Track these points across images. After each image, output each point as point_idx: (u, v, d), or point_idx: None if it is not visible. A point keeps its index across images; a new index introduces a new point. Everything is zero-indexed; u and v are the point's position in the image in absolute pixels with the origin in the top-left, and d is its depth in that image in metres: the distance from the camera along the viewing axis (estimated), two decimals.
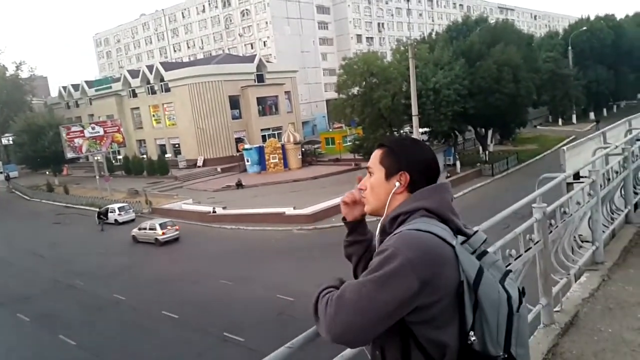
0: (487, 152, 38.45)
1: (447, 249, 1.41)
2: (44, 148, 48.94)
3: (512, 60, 33.44)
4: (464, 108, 32.62)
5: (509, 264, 2.86)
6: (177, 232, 27.20)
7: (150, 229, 27.26)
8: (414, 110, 28.37)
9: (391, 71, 34.02)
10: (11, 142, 58.76)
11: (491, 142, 41.07)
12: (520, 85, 33.96)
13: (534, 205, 3.29)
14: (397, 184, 1.61)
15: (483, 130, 39.14)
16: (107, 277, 22.10)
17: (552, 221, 3.47)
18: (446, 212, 1.54)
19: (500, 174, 33.75)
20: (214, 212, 29.95)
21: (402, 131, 37.03)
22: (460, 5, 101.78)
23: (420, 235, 1.42)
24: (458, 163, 35.53)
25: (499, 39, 35.74)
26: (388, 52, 53.19)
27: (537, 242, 3.22)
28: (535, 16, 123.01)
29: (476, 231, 1.57)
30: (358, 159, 40.89)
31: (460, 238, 1.49)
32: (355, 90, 36.03)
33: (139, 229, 27.95)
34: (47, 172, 52.12)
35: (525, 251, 3.05)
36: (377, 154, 1.69)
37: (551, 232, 3.43)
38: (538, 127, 53.70)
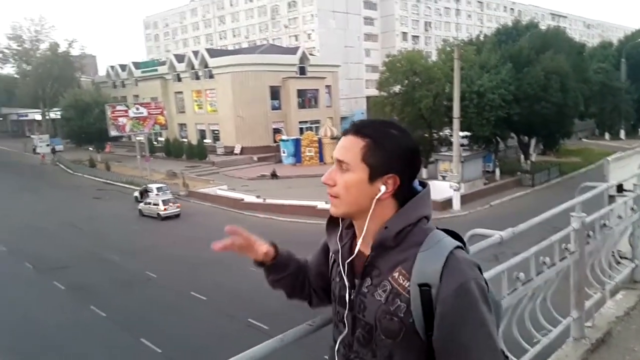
0: (528, 162, 37.51)
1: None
2: (89, 124, 50.52)
3: (561, 69, 32.46)
4: (508, 114, 31.89)
5: (542, 272, 2.80)
6: (178, 209, 29.48)
7: (154, 204, 29.54)
8: (456, 112, 27.90)
9: (435, 71, 33.52)
10: (59, 117, 61.01)
11: (533, 151, 40.05)
12: (568, 95, 32.95)
13: (572, 213, 3.20)
14: (383, 188, 1.34)
15: (526, 138, 38.17)
16: (141, 253, 22.75)
17: (591, 232, 3.37)
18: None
19: (540, 185, 32.84)
20: (263, 200, 30.18)
21: (441, 133, 36.53)
22: (511, 9, 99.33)
23: (466, 254, 1.32)
24: (497, 170, 34.80)
25: (549, 46, 34.75)
26: (433, 52, 52.35)
27: (573, 252, 3.14)
28: (588, 25, 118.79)
29: (455, 233, 1.41)
30: None
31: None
32: (396, 88, 35.69)
33: (145, 204, 30.33)
34: (91, 148, 53.82)
35: (560, 260, 2.98)
36: (356, 144, 1.36)
37: (588, 243, 3.34)
38: (584, 139, 51.97)
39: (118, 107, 48.08)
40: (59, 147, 58.09)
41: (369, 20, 79.17)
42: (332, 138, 44.89)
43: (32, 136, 64.32)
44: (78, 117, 51.29)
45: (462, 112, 28.97)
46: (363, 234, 1.39)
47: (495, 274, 2.39)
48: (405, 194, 1.37)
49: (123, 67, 65.31)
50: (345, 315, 1.45)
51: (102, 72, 78.58)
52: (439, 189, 29.13)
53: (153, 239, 25.47)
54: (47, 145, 57.27)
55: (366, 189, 1.36)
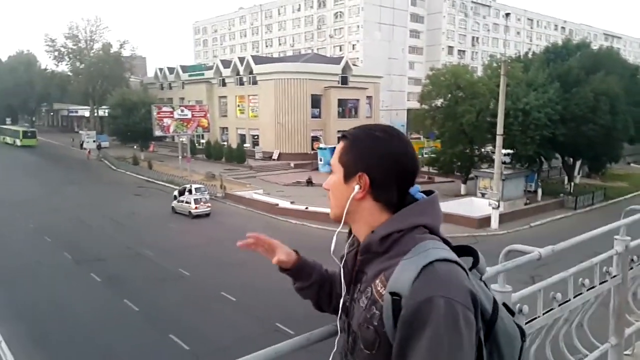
0: (572, 184, 36.33)
1: (470, 282, 1.21)
2: (135, 123, 52.17)
3: (612, 91, 31.41)
4: (553, 134, 31.05)
5: (580, 294, 2.67)
6: (208, 209, 30.40)
7: (186, 202, 30.41)
8: (499, 129, 27.31)
9: (480, 86, 33.03)
10: (107, 114, 63.21)
11: (578, 173, 38.81)
12: (617, 117, 31.84)
13: (616, 237, 3.05)
14: (357, 187, 1.33)
15: (571, 159, 37.04)
16: (175, 251, 23.19)
17: (635, 257, 3.21)
18: (439, 229, 1.31)
19: (583, 208, 31.71)
20: (306, 207, 29.99)
21: (483, 150, 35.88)
22: (562, 27, 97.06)
23: (455, 270, 1.19)
24: (540, 191, 33.88)
25: (600, 67, 33.73)
26: (479, 68, 51.68)
27: (615, 276, 2.99)
28: None
29: (471, 249, 1.32)
30: (432, 173, 40.05)
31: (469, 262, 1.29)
32: (439, 102, 35.35)
33: (178, 202, 31.25)
34: (135, 147, 55.46)
35: (600, 284, 2.84)
36: (338, 147, 1.40)
37: (632, 268, 3.17)
38: (632, 164, 49.99)
39: (164, 108, 49.42)
40: (104, 144, 60.11)
41: (414, 33, 78.87)
42: None
43: (80, 132, 66.81)
44: (125, 116, 53.04)
45: (505, 129, 28.37)
46: (363, 242, 1.36)
47: (531, 292, 2.30)
48: (392, 199, 1.33)
49: (171, 69, 67.21)
50: (343, 321, 1.42)
51: (150, 73, 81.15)
52: (477, 206, 28.56)
53: (187, 238, 25.96)
54: (94, 141, 59.31)
55: (344, 190, 1.36)
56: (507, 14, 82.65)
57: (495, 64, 35.46)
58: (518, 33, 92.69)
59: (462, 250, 1.32)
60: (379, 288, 1.24)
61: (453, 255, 1.22)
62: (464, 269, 1.21)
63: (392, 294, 1.19)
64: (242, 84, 55.00)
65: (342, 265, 1.43)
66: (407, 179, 1.33)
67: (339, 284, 1.46)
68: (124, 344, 14.21)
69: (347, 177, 1.35)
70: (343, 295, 1.42)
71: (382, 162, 1.31)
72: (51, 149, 61.98)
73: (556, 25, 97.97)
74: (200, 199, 30.75)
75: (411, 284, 1.16)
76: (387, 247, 1.28)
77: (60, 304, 16.96)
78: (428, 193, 1.37)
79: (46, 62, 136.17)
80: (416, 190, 1.36)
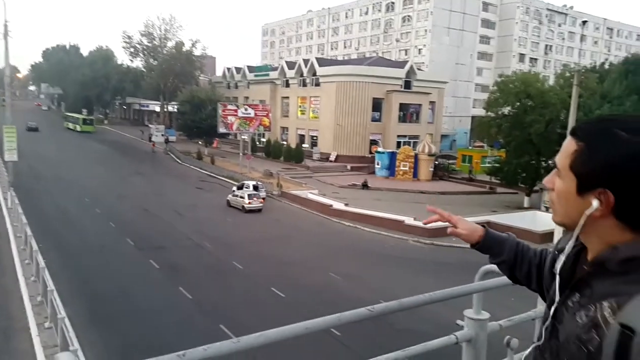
0: None
1: None
2: (201, 120, 54.02)
3: None
4: None
5: None
6: (260, 205, 31.14)
7: (240, 197, 31.33)
8: None
9: (551, 96, 31.64)
10: (175, 110, 65.84)
11: None
12: None
13: None
14: (595, 203, 1.11)
15: None
16: (232, 245, 23.78)
17: None
18: None
19: None
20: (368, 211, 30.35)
21: (550, 162, 34.27)
22: None
23: None
24: None
25: None
26: (551, 77, 49.47)
27: None
28: None
29: None
30: (494, 183, 38.77)
31: None
32: (506, 110, 34.16)
33: (233, 196, 32.21)
34: (200, 142, 57.47)
35: None
36: (568, 147, 1.17)
37: None
38: None
39: (229, 106, 50.82)
40: (172, 138, 62.60)
41: (484, 39, 76.75)
42: (430, 155, 43.93)
43: (149, 125, 69.98)
44: (192, 112, 55.04)
45: None
46: (596, 256, 1.20)
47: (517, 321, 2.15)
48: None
49: (238, 69, 69.07)
50: (548, 321, 1.30)
51: (219, 72, 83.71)
52: (541, 220, 27.30)
53: (243, 232, 26.56)
54: (162, 135, 61.96)
55: (575, 202, 1.16)
56: (584, 22, 78.60)
57: (568, 74, 33.84)
58: (595, 42, 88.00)
59: None
60: (605, 313, 1.06)
61: None
62: None
63: (624, 326, 1.01)
64: (305, 85, 55.63)
65: (560, 267, 1.29)
66: None
67: (547, 273, 1.43)
68: (176, 329, 14.67)
69: (582, 189, 1.14)
70: (557, 300, 1.28)
71: (631, 176, 1.06)
72: (122, 140, 65.30)
73: (638, 35, 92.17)
74: (253, 194, 31.45)
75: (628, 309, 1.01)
76: (628, 269, 1.10)
77: (120, 288, 17.75)
78: None
79: (122, 57, 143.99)
80: None
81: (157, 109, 79.05)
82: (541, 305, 2.50)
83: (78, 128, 68.42)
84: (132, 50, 75.59)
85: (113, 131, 72.94)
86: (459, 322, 2.17)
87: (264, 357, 12.76)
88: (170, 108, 73.15)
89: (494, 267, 2.18)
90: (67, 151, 51.53)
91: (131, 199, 32.71)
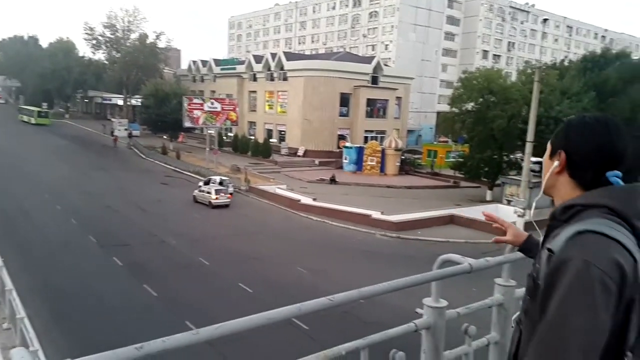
0: None
1: (629, 261, 1.26)
2: (166, 114, 53.07)
3: None
4: None
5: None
6: (228, 200, 30.76)
7: (207, 192, 30.83)
8: (530, 136, 26.71)
9: (513, 92, 32.44)
10: (139, 104, 64.44)
11: None
12: None
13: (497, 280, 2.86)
14: (556, 163, 1.51)
15: None
16: (198, 241, 23.49)
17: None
18: (633, 217, 1.36)
19: None
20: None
21: (512, 156, 35.23)
22: (602, 36, 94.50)
23: (607, 242, 1.27)
24: None
25: (639, 78, 32.73)
26: (514, 73, 50.68)
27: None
28: None
29: None
30: (458, 177, 39.54)
31: None
32: (469, 106, 34.84)
33: (199, 191, 31.68)
34: (165, 137, 56.40)
35: None
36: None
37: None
38: None
39: (195, 100, 50.08)
40: (135, 132, 61.19)
41: (449, 36, 78.00)
42: (396, 150, 44.44)
43: (112, 120, 68.31)
44: (156, 106, 54.00)
45: (536, 136, 27.68)
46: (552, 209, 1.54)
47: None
48: (586, 179, 1.46)
49: (204, 62, 68.09)
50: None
51: (184, 65, 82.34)
52: (503, 213, 28.00)
53: (209, 228, 26.28)
54: (125, 129, 60.56)
55: (548, 164, 1.56)
56: (545, 20, 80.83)
57: (529, 70, 34.78)
58: (556, 40, 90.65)
59: None
60: (546, 249, 1.40)
61: (617, 235, 1.28)
62: (629, 251, 1.26)
63: (549, 250, 1.35)
64: (272, 79, 55.34)
65: (533, 219, 1.72)
66: (604, 163, 1.43)
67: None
68: (140, 326, 14.43)
69: (552, 154, 1.55)
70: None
71: (581, 144, 1.46)
72: (83, 135, 63.50)
73: (596, 34, 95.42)
74: (221, 189, 31.14)
75: (563, 244, 1.31)
76: (568, 217, 1.42)
77: (82, 286, 17.32)
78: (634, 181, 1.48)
79: (84, 49, 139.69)
80: (614, 174, 1.44)
81: (120, 102, 77.21)
82: (498, 294, 2.59)
83: (33, 121, 66.39)
84: (94, 42, 73.63)
85: (74, 125, 70.76)
86: (418, 310, 2.22)
87: (233, 356, 12.81)
88: (133, 102, 71.53)
89: (452, 256, 2.27)
90: (23, 145, 49.71)
91: (93, 195, 31.88)
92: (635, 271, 1.25)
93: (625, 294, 1.25)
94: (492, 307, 2.50)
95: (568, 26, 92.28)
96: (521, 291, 2.49)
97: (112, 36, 72.90)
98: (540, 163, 28.61)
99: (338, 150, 48.68)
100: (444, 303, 2.16)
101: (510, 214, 26.50)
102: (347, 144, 47.01)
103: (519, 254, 2.44)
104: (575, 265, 1.23)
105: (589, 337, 1.20)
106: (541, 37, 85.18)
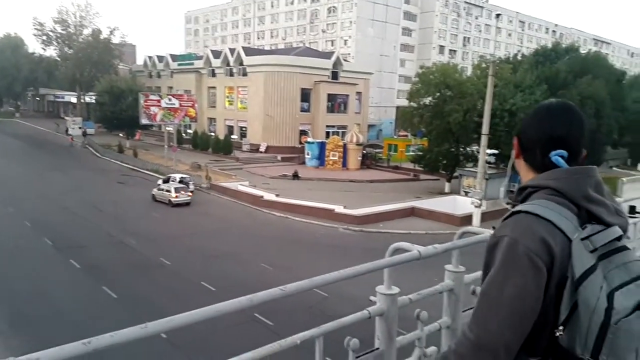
0: None
1: (560, 240, 1.36)
2: (121, 111, 51.62)
3: (598, 95, 31.85)
4: None
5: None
6: (189, 198, 30.17)
7: (166, 190, 30.37)
8: (485, 129, 27.43)
9: (468, 86, 33.19)
10: (93, 101, 62.45)
11: None
12: (602, 121, 32.24)
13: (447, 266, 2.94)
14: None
15: None
16: (158, 240, 23.04)
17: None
18: (577, 197, 1.43)
19: None
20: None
21: (468, 149, 36.10)
22: (553, 31, 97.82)
23: (536, 221, 1.37)
24: None
25: (587, 71, 34.21)
26: (469, 68, 51.89)
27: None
28: (632, 53, 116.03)
29: (609, 226, 1.40)
30: (417, 170, 40.22)
31: (587, 231, 1.36)
32: (427, 100, 35.46)
33: (158, 190, 31.16)
34: (121, 134, 54.92)
35: None
36: None
37: None
38: (614, 168, 50.52)
39: (151, 97, 48.81)
40: (90, 131, 59.36)
41: (407, 31, 79.01)
42: (358, 144, 44.80)
43: (66, 118, 66.00)
44: (111, 103, 52.47)
45: (491, 129, 28.51)
46: None
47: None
48: (535, 162, 1.56)
49: (160, 58, 66.59)
50: None
51: (140, 61, 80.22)
52: (460, 204, 28.76)
53: (170, 227, 25.81)
54: (80, 127, 58.65)
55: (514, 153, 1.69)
56: (498, 15, 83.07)
57: (484, 65, 35.66)
58: (509, 35, 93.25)
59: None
60: (492, 225, 1.57)
61: (551, 214, 1.38)
62: (562, 231, 1.36)
63: (493, 227, 1.51)
64: (231, 75, 54.68)
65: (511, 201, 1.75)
66: (545, 144, 1.52)
67: None
68: (99, 329, 14.01)
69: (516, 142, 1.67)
70: None
71: (527, 128, 1.59)
72: (36, 134, 61.11)
73: (547, 29, 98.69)
74: (181, 187, 30.61)
75: (501, 223, 1.45)
76: (522, 198, 1.52)
77: (38, 290, 16.75)
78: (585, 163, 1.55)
79: (34, 46, 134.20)
80: (556, 154, 1.51)
81: (74, 100, 74.66)
82: (448, 280, 2.68)
83: None
84: (44, 38, 70.97)
85: (26, 124, 67.98)
86: (372, 298, 2.27)
87: (199, 356, 12.67)
88: (87, 99, 69.28)
89: (402, 244, 2.33)
90: None
91: (48, 196, 30.78)
92: (568, 250, 1.34)
93: (555, 271, 1.34)
94: (443, 293, 2.59)
95: (520, 21, 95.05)
96: (470, 276, 2.60)
97: (63, 32, 70.37)
98: (494, 155, 29.53)
99: (300, 145, 48.65)
100: (395, 290, 2.22)
101: (467, 205, 27.19)
102: (309, 139, 47.05)
103: (467, 241, 2.54)
104: (506, 241, 1.36)
105: (518, 304, 1.33)
106: (495, 32, 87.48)
